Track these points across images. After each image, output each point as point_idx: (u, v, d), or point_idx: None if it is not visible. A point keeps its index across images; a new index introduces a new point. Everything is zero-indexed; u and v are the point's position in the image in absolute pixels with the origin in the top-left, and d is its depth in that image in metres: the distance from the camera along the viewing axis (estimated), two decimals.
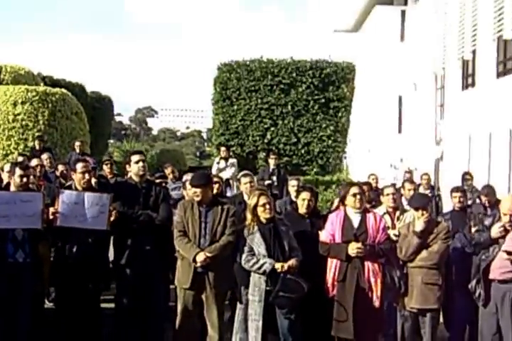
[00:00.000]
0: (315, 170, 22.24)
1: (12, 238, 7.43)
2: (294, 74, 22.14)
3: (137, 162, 8.10)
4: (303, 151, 22.33)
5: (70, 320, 7.74)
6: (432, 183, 17.25)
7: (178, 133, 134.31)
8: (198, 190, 7.56)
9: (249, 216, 7.52)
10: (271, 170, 16.87)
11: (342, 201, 8.01)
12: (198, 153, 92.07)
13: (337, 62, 22.63)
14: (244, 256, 7.47)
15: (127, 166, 8.35)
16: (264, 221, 7.50)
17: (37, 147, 17.07)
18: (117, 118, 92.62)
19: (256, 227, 7.47)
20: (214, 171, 17.28)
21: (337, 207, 8.81)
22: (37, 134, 20.21)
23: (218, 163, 17.92)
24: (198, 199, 7.61)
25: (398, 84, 28.77)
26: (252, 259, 7.39)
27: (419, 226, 7.96)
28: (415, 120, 27.05)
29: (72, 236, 7.71)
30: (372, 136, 30.79)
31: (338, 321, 7.63)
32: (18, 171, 7.60)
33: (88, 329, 7.79)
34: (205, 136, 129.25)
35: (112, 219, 7.67)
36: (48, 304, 9.09)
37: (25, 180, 7.63)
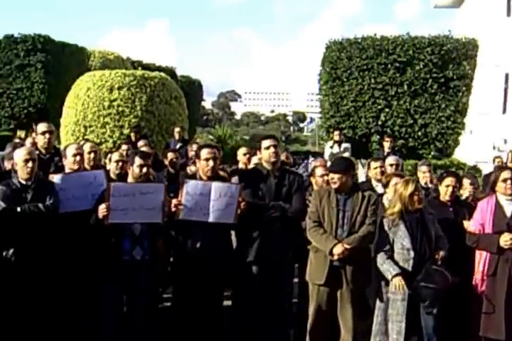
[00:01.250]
0: (432, 153, 21.64)
1: (129, 233, 7.09)
2: (411, 52, 21.51)
3: (268, 147, 7.65)
4: (420, 133, 21.76)
5: (188, 320, 7.44)
6: None
7: (263, 117, 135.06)
8: (336, 176, 7.15)
9: (398, 205, 7.05)
10: (385, 153, 16.31)
11: (492, 187, 7.55)
12: (283, 138, 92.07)
13: (458, 38, 21.90)
14: (381, 253, 7.05)
15: (257, 152, 7.99)
16: (411, 210, 7.06)
17: (133, 138, 16.54)
18: None
19: (399, 218, 7.04)
20: (327, 156, 16.96)
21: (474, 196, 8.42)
22: (133, 121, 19.82)
23: (331, 147, 17.60)
24: (335, 186, 7.19)
25: (505, 61, 27.78)
26: (381, 259, 6.99)
27: None
28: None
29: (196, 231, 7.33)
30: (474, 116, 29.89)
31: (488, 320, 7.19)
32: (137, 160, 7.21)
33: (208, 329, 7.47)
34: (290, 119, 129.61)
35: (239, 211, 7.30)
36: None
37: (145, 170, 7.23)
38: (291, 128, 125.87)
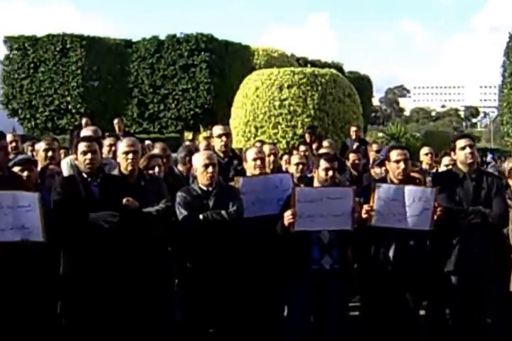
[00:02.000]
0: None
1: (317, 241, 6.96)
2: None
3: (464, 148, 7.35)
4: None
5: (380, 330, 7.27)
6: None
7: (433, 113, 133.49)
8: None
9: None
10: None
11: None
12: (455, 134, 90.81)
13: None
14: None
15: (452, 153, 7.72)
16: None
17: (307, 139, 16.48)
18: None
19: None
20: None
21: None
22: (306, 120, 19.88)
23: None
24: None
25: None
26: None
27: None
28: None
29: (389, 238, 7.13)
30: None
31: None
32: (323, 163, 7.03)
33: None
34: (462, 114, 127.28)
35: (435, 217, 7.00)
36: None
37: (331, 173, 7.03)
38: (464, 123, 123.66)
